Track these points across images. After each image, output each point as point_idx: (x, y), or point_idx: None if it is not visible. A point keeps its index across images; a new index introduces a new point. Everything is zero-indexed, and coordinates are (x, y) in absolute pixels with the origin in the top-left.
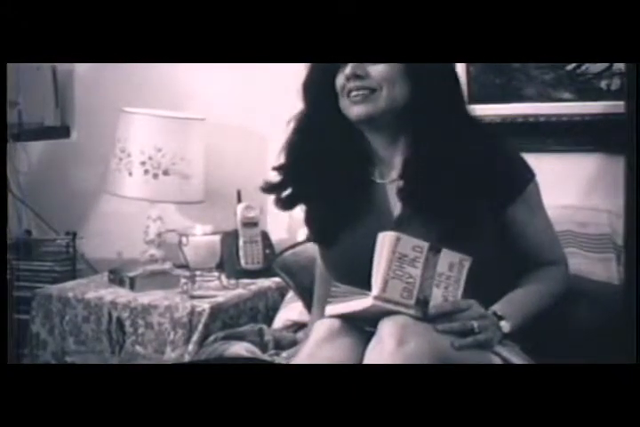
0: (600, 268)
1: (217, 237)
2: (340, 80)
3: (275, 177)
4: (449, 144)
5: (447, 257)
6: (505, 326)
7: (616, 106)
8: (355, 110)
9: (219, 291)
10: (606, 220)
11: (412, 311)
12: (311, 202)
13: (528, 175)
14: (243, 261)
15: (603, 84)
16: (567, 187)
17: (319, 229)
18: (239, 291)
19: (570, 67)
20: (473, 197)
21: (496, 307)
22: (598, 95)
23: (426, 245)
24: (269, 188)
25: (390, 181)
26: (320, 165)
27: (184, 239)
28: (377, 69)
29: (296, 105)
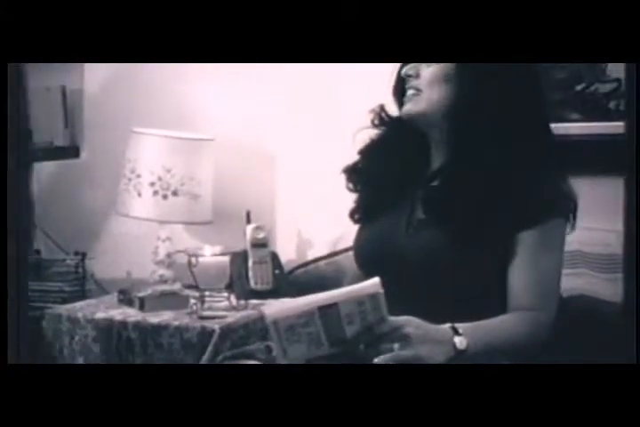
0: (609, 288)
1: (226, 258)
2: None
3: (353, 162)
4: (485, 156)
5: (350, 301)
6: (460, 341)
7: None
8: (402, 108)
9: (228, 311)
10: (615, 240)
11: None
12: (365, 188)
13: (552, 211)
14: (252, 282)
15: (612, 104)
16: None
17: (362, 212)
18: (249, 311)
19: (579, 87)
20: (493, 214)
21: (460, 324)
22: (607, 116)
23: (315, 310)
24: (347, 169)
25: (423, 183)
26: (382, 160)
27: (193, 260)
28: (427, 70)
29: (304, 125)
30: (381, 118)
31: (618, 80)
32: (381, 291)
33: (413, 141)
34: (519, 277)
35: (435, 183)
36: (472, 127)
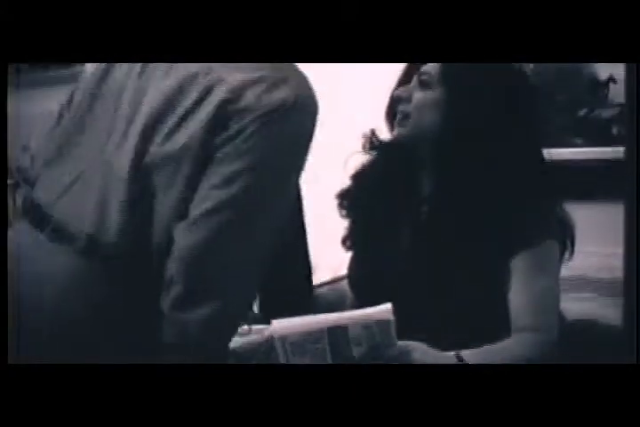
0: (614, 312)
1: None
2: None
3: (346, 186)
4: (475, 181)
5: (360, 324)
6: None
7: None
8: (393, 133)
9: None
10: (621, 264)
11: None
12: (356, 214)
13: (543, 234)
14: (255, 308)
15: (614, 129)
16: (581, 232)
17: (353, 239)
18: (252, 336)
19: (581, 112)
20: (485, 239)
21: (464, 352)
22: (609, 141)
23: (324, 330)
24: (339, 195)
25: (414, 207)
26: (373, 186)
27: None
28: (419, 94)
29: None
30: (372, 143)
31: (620, 105)
32: (392, 318)
33: (404, 166)
34: (517, 298)
35: (425, 209)
36: (462, 153)
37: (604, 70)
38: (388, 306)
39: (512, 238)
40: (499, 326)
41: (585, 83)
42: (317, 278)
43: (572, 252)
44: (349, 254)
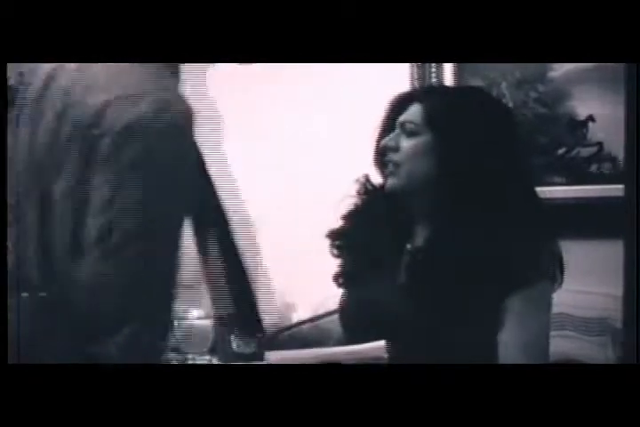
0: (596, 351)
1: (209, 321)
2: None
3: (337, 227)
4: (469, 227)
5: (351, 361)
6: None
7: (609, 190)
8: (385, 183)
9: None
10: (602, 303)
11: None
12: (349, 253)
13: (538, 274)
14: (235, 345)
15: (593, 167)
16: None
17: (346, 277)
18: None
19: (560, 151)
20: (477, 283)
21: None
22: (589, 179)
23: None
24: (331, 234)
25: (409, 252)
26: (366, 227)
27: (176, 323)
28: (407, 143)
29: (285, 188)
30: (366, 188)
31: (599, 144)
32: (385, 355)
33: (397, 212)
34: (508, 340)
35: (419, 257)
36: (457, 198)
37: (582, 109)
38: (381, 343)
39: (507, 280)
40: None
41: (564, 122)
42: (298, 316)
43: (560, 285)
44: (338, 291)
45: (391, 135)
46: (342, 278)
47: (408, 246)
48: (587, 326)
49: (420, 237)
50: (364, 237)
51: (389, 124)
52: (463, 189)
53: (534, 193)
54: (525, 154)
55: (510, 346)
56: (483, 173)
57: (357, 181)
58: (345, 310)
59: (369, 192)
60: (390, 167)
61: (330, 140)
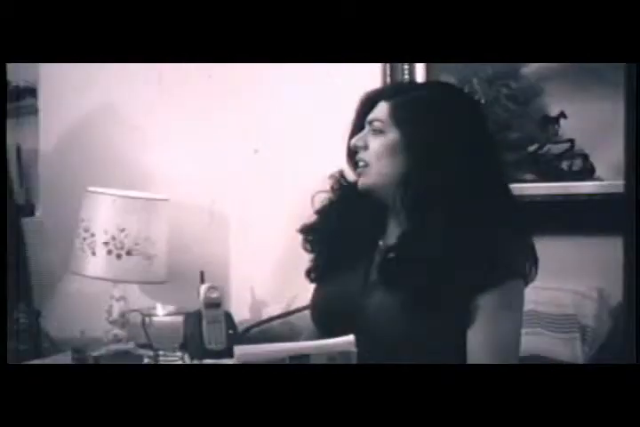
0: (564, 348)
1: (180, 318)
2: None
3: (311, 222)
4: (440, 223)
5: (322, 355)
6: None
7: (579, 187)
8: (358, 182)
9: None
10: (570, 300)
11: None
12: (322, 248)
13: (511, 273)
14: (206, 342)
15: (564, 164)
16: None
17: (318, 271)
18: None
19: (532, 148)
20: (450, 280)
21: None
22: (559, 176)
23: (286, 358)
24: (304, 229)
25: (381, 249)
26: (340, 222)
27: (147, 319)
28: (375, 142)
29: (258, 184)
30: (340, 184)
31: (570, 140)
32: (354, 350)
33: (371, 208)
34: (477, 338)
35: (391, 254)
36: (424, 196)
37: (554, 106)
38: (350, 338)
39: (479, 278)
40: (458, 361)
41: (535, 118)
42: (268, 312)
43: (530, 282)
44: (309, 287)
45: (360, 134)
46: (314, 273)
47: (380, 243)
48: (555, 323)
49: (392, 234)
50: (337, 232)
51: (360, 123)
52: (432, 187)
53: (507, 189)
54: (496, 150)
55: (479, 345)
56: (451, 170)
57: (332, 176)
58: (316, 305)
59: (343, 188)
60: (360, 166)
61: (305, 136)
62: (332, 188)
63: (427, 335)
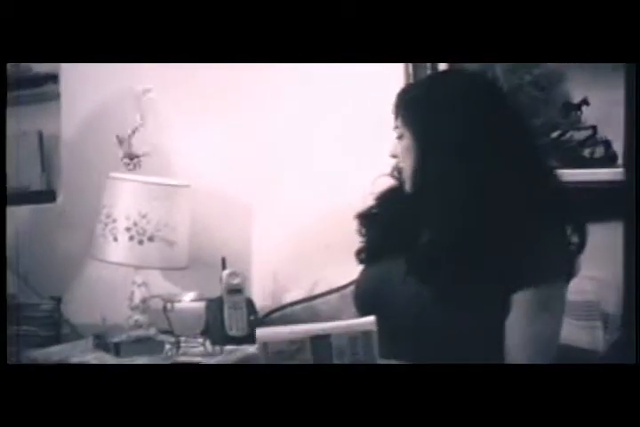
0: (585, 335)
1: (202, 304)
2: None
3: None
4: (473, 221)
5: (343, 335)
6: None
7: (601, 174)
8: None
9: (203, 357)
10: (591, 287)
11: None
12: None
13: (551, 273)
14: (228, 328)
15: (586, 151)
16: None
17: (367, 253)
18: (224, 357)
19: (554, 134)
20: (484, 276)
21: None
22: (581, 163)
23: (307, 339)
24: (363, 213)
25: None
26: (392, 209)
27: (169, 305)
28: (399, 148)
29: (280, 170)
30: (399, 172)
31: (592, 127)
32: (375, 329)
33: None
34: (514, 334)
35: (426, 248)
36: (462, 197)
37: (577, 92)
38: (371, 318)
39: (518, 276)
40: (489, 359)
41: (558, 105)
42: (290, 298)
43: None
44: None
45: (393, 143)
46: (363, 255)
47: (424, 237)
48: (577, 310)
49: (434, 229)
50: (390, 218)
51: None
52: (454, 185)
53: (549, 177)
54: (525, 134)
55: (514, 342)
56: (477, 164)
57: (394, 167)
58: (357, 286)
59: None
60: (398, 173)
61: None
62: (392, 174)
63: (456, 330)
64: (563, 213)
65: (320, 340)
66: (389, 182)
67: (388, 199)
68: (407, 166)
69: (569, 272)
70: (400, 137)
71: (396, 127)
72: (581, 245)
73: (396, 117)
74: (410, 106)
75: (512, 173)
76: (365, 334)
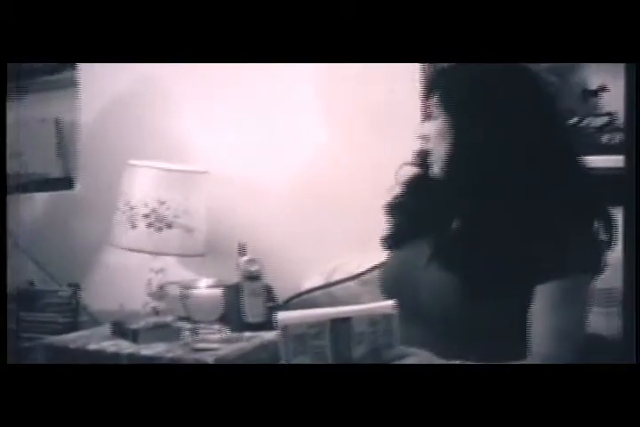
0: (603, 322)
1: (219, 291)
2: None
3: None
4: (499, 209)
5: (364, 318)
6: None
7: (620, 160)
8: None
9: (221, 344)
10: (611, 273)
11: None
12: (400, 218)
13: (578, 266)
14: (245, 315)
15: (605, 138)
16: None
17: (393, 239)
18: (242, 344)
19: (571, 121)
20: (510, 266)
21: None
22: (599, 150)
23: (327, 322)
24: (388, 204)
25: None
26: (419, 196)
27: (187, 292)
28: (430, 128)
29: (298, 157)
30: (423, 160)
31: (610, 114)
32: (395, 313)
33: (440, 197)
34: (538, 323)
35: (451, 238)
36: (487, 183)
37: (595, 78)
38: (390, 302)
39: (544, 267)
40: (514, 348)
41: (576, 91)
42: (308, 285)
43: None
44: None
45: (424, 123)
46: (389, 241)
47: (451, 223)
48: (597, 296)
49: (463, 217)
50: (416, 206)
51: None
52: (486, 173)
53: (579, 166)
54: (554, 120)
55: (540, 332)
56: (505, 151)
57: (417, 152)
58: (383, 271)
59: (425, 164)
60: (426, 156)
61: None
62: (415, 162)
63: (481, 317)
64: (593, 207)
65: (340, 323)
66: (413, 171)
67: (413, 186)
68: (438, 150)
69: (596, 266)
70: (431, 117)
71: (428, 107)
72: (610, 242)
73: (430, 96)
74: (452, 88)
75: (546, 165)
76: (386, 318)
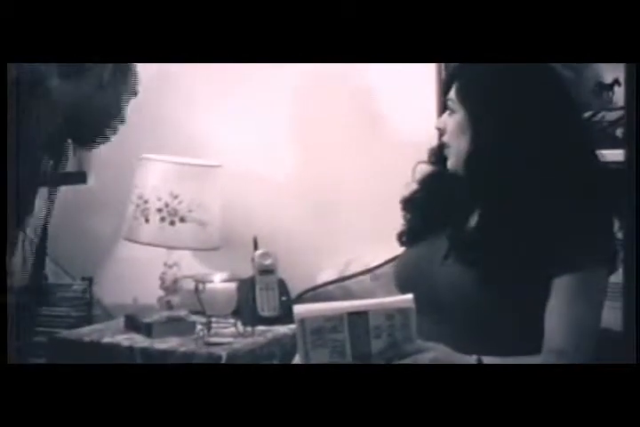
0: (611, 316)
1: (233, 284)
2: None
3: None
4: (519, 203)
5: (381, 312)
6: None
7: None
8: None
9: (235, 338)
10: (621, 267)
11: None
12: (415, 214)
13: (593, 259)
14: (259, 309)
15: (618, 132)
16: None
17: (409, 235)
18: (255, 338)
19: (586, 115)
20: (526, 260)
21: (487, 358)
22: (614, 144)
23: (344, 315)
24: (405, 201)
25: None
26: (435, 193)
27: (200, 286)
28: (450, 120)
29: (312, 151)
30: (437, 157)
31: (624, 108)
32: (413, 307)
33: (457, 191)
34: (553, 319)
35: (467, 233)
36: (504, 176)
37: (609, 72)
38: (409, 296)
39: (559, 261)
40: (529, 342)
41: (590, 85)
42: (322, 278)
43: (616, 269)
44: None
45: (442, 116)
46: (404, 237)
47: (468, 218)
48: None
49: (476, 213)
50: (431, 202)
51: (443, 103)
52: (505, 167)
53: (594, 161)
54: (574, 115)
55: (553, 327)
56: (522, 148)
57: (432, 149)
58: (398, 267)
59: (440, 161)
60: (444, 149)
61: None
62: (430, 159)
63: (497, 312)
64: (611, 204)
65: (357, 317)
66: (429, 167)
67: (429, 182)
68: (455, 144)
69: (612, 262)
70: (452, 111)
71: (449, 100)
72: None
73: (450, 90)
74: (472, 84)
75: (563, 159)
76: (403, 312)
